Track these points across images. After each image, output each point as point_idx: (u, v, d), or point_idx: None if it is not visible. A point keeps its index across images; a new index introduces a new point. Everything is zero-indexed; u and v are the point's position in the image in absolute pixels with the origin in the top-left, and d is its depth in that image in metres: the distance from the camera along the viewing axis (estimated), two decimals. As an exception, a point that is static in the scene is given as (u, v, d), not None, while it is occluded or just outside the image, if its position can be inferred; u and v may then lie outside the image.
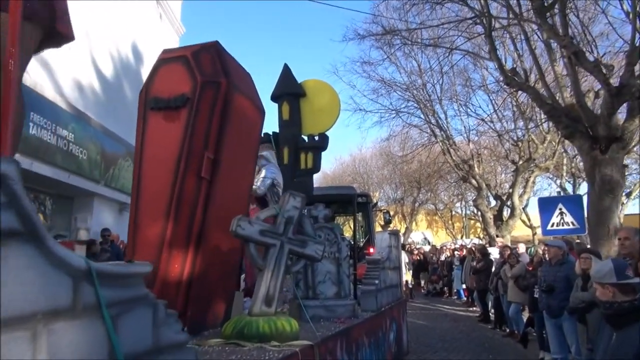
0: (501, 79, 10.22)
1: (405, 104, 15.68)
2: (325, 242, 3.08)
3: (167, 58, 3.56)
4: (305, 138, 6.08)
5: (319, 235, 4.07)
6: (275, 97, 6.18)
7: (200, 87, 3.39)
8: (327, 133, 6.03)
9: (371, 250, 7.95)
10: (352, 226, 10.00)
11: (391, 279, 5.24)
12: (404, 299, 5.86)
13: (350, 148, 50.64)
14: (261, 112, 4.03)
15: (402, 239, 22.95)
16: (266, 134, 6.17)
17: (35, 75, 7.14)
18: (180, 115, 3.41)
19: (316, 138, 5.98)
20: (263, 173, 5.03)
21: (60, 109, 7.55)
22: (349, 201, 8.64)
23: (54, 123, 7.18)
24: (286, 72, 6.13)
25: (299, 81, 6.14)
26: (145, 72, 14.00)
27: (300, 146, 5.97)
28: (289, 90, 6.07)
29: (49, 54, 7.87)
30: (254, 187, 4.98)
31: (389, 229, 10.24)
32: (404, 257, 15.63)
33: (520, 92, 11.77)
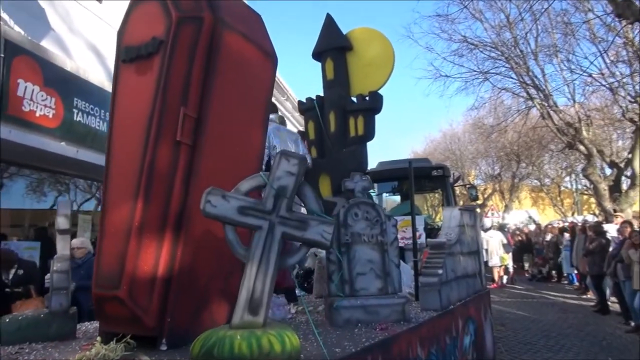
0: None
1: (493, 64, 13.81)
2: (333, 223, 2.13)
3: (140, -4, 2.81)
4: (355, 100, 5.10)
5: (354, 214, 3.14)
6: (317, 55, 5.26)
7: (175, 25, 2.60)
8: (381, 92, 5.00)
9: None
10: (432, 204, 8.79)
11: (464, 267, 4.12)
12: (486, 290, 4.67)
13: (439, 124, 47.87)
14: (270, 58, 3.15)
15: (488, 217, 20.90)
16: (309, 99, 5.30)
17: (80, 60, 6.90)
18: (152, 65, 2.65)
19: (367, 99, 4.97)
20: None
21: (107, 94, 7.24)
22: (424, 176, 7.49)
23: (101, 109, 6.89)
24: (329, 24, 5.17)
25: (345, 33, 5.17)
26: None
27: (348, 109, 4.99)
28: (333, 44, 5.12)
29: (95, 37, 7.67)
30: None
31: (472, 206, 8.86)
32: (501, 238, 14.00)
33: (637, 27, 9.58)
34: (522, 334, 7.23)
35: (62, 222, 2.95)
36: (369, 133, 4.92)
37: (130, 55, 2.73)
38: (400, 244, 5.03)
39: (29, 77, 5.65)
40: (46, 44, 6.20)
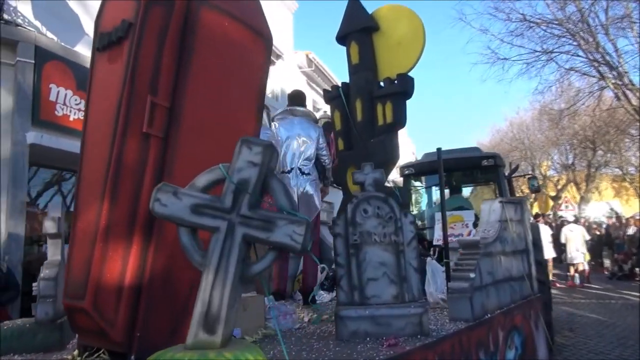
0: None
1: (557, 42, 12.55)
2: (307, 222, 1.75)
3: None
4: (383, 85, 4.65)
5: (364, 210, 2.74)
6: (341, 39, 4.86)
7: (144, 5, 2.33)
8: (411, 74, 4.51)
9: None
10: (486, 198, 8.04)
11: (507, 268, 3.55)
12: (537, 295, 4.05)
13: (505, 113, 45.14)
14: (263, 38, 2.81)
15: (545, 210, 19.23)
16: (335, 87, 4.91)
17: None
18: (122, 51, 2.40)
19: (395, 82, 4.51)
20: None
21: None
22: (474, 166, 6.84)
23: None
24: (353, 4, 4.76)
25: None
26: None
27: (375, 95, 4.56)
28: (357, 26, 4.69)
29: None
30: None
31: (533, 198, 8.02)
32: (583, 232, 12.78)
33: None
34: (594, 342, 6.40)
35: (50, 226, 2.79)
36: (399, 120, 4.44)
37: (103, 42, 2.51)
38: (465, 239, 4.52)
39: (61, 81, 5.71)
40: (80, 49, 6.27)
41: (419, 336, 2.52)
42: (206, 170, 1.87)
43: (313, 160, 4.32)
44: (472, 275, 3.02)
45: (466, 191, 9.34)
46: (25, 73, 5.33)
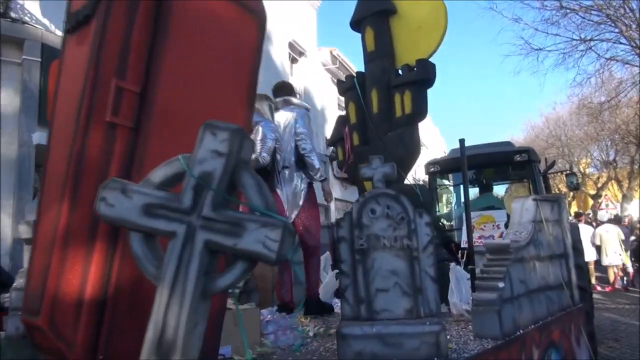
0: None
1: (596, 30, 11.73)
2: (285, 225, 1.40)
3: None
4: (401, 73, 4.27)
5: (371, 210, 2.39)
6: (355, 24, 4.50)
7: (111, -22, 2.03)
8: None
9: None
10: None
11: (542, 276, 3.10)
12: (578, 306, 3.57)
13: (540, 109, 43.36)
14: (255, 16, 2.47)
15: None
16: (349, 77, 4.55)
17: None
18: (90, 31, 2.11)
19: (415, 69, 4.12)
20: (260, 133, 3.48)
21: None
22: (506, 162, 6.33)
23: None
24: (368, -13, 4.39)
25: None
26: (276, 51, 13.33)
27: (393, 85, 4.18)
28: (373, 9, 4.34)
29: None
30: (252, 157, 3.46)
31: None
32: (619, 232, 11.97)
33: None
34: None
35: (23, 230, 2.53)
36: (419, 110, 4.05)
37: (71, 22, 2.23)
38: (478, 246, 4.11)
39: (69, 80, 5.54)
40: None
41: (435, 359, 2.13)
42: (164, 163, 1.54)
43: (294, 151, 3.84)
44: (500, 284, 2.60)
45: (500, 190, 8.75)
46: (31, 72, 5.19)
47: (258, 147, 3.37)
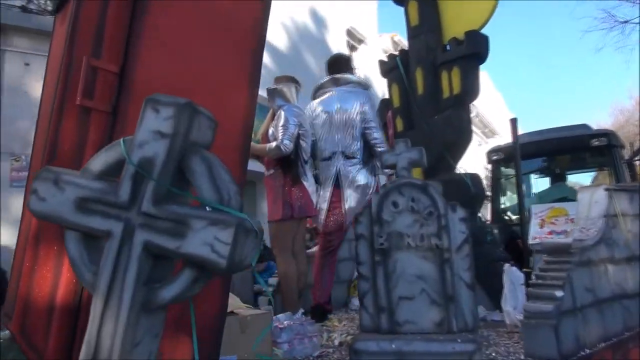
0: None
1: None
2: (240, 223, 1.09)
3: None
4: (449, 48, 3.81)
5: (393, 203, 2.05)
6: (397, -2, 4.08)
7: (88, -53, 1.82)
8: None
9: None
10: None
11: (617, 283, 2.53)
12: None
13: (629, 90, 39.35)
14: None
15: None
16: (391, 56, 4.13)
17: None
18: (69, 8, 1.93)
19: (464, 43, 3.66)
20: (282, 118, 3.13)
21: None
22: (582, 147, 5.57)
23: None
24: (410, -46, 3.96)
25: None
26: (332, 39, 12.90)
27: (439, 62, 3.74)
28: (415, -22, 3.89)
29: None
30: (272, 145, 3.13)
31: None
32: None
33: None
34: None
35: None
36: (469, 89, 3.58)
37: (57, 1, 2.07)
38: (549, 241, 3.58)
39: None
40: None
41: (467, 386, 1.73)
42: (106, 147, 1.29)
43: (359, 140, 3.45)
44: (558, 293, 2.13)
45: (585, 179, 7.82)
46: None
47: (280, 133, 3.08)
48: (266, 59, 9.57)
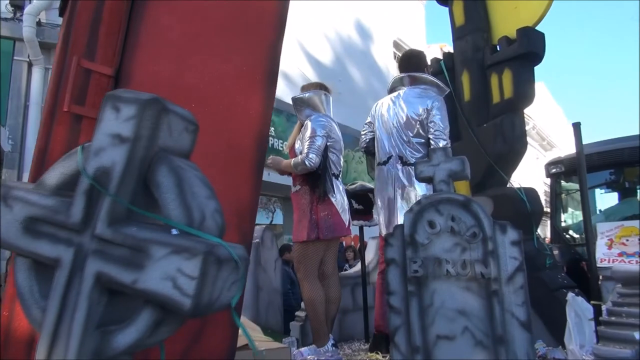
0: None
1: None
2: (210, 251, 0.83)
3: None
4: (498, 48, 3.45)
5: (429, 223, 1.75)
6: (441, -4, 3.77)
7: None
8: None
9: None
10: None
11: None
12: None
13: None
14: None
15: None
16: (435, 60, 3.80)
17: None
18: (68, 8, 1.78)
19: (516, 42, 3.29)
20: (309, 130, 2.82)
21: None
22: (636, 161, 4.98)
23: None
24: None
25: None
26: (378, 50, 12.56)
27: (488, 64, 3.39)
28: (461, -26, 3.58)
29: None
30: (297, 159, 2.82)
31: None
32: None
33: None
34: None
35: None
36: (522, 93, 3.21)
37: (61, 3, 1.93)
38: (620, 266, 3.15)
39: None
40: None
41: None
42: (65, 155, 1.07)
43: (420, 145, 2.89)
44: (637, 335, 1.72)
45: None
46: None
47: (305, 147, 2.80)
48: (310, 72, 9.41)
